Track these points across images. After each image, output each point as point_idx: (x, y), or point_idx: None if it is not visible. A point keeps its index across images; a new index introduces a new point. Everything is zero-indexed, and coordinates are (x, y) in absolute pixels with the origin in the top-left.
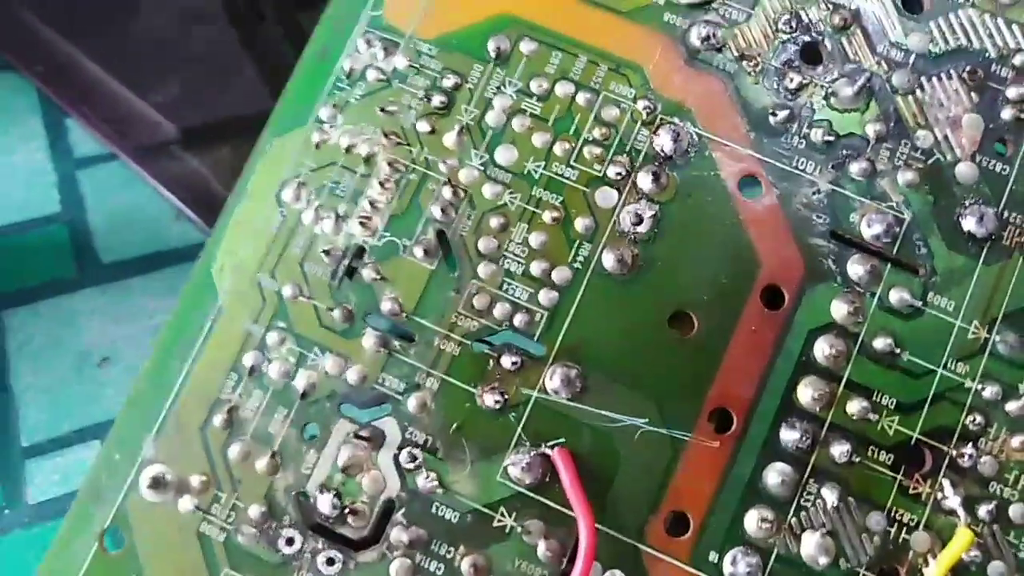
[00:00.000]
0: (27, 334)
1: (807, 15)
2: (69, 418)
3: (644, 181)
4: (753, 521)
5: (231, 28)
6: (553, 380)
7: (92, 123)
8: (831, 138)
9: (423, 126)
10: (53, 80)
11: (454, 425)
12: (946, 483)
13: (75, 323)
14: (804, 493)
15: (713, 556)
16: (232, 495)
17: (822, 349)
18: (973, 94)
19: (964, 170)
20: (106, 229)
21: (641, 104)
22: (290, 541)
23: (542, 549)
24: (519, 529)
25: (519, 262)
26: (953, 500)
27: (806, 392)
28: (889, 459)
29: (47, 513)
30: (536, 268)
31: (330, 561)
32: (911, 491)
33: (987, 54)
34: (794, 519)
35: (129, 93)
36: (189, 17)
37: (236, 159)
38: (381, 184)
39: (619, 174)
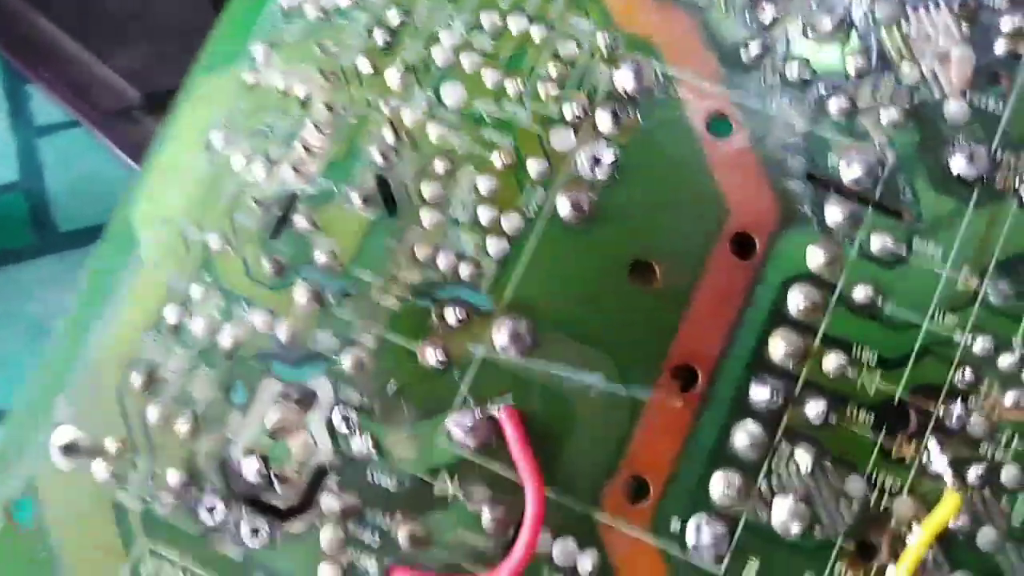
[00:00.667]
0: None
1: None
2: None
3: (603, 121)
4: (719, 486)
5: None
6: (501, 335)
7: (54, 89)
8: (808, 75)
9: (364, 65)
10: (14, 46)
11: (392, 385)
12: (932, 444)
13: (30, 292)
14: (775, 456)
15: (675, 524)
16: (150, 461)
17: (796, 300)
18: (964, 26)
19: (953, 108)
20: (65, 198)
21: (601, 39)
22: (212, 510)
23: (487, 518)
24: (462, 496)
25: (466, 209)
26: (940, 463)
27: (778, 346)
28: (870, 419)
29: None
30: (484, 216)
31: (255, 531)
32: (894, 454)
33: None
34: (764, 484)
35: (93, 58)
36: None
37: None
38: (317, 127)
39: (576, 115)
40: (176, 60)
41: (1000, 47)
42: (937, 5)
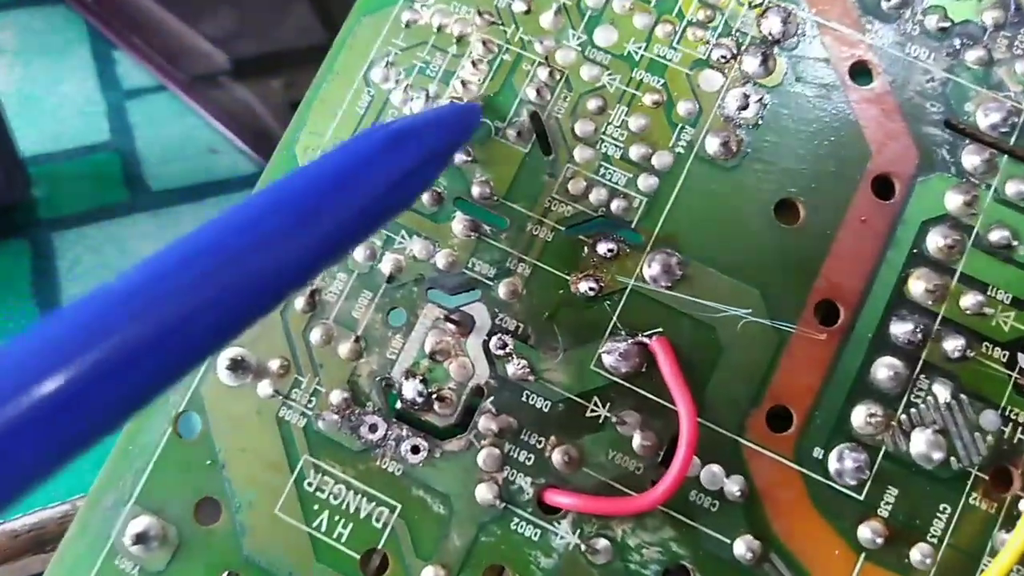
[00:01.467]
0: (76, 255)
1: None
2: None
3: (751, 64)
4: (861, 417)
5: None
6: (652, 268)
7: (142, 54)
8: (946, 25)
9: (519, 5)
10: (102, 11)
11: (546, 312)
12: None
13: (125, 247)
14: (915, 389)
15: (818, 452)
16: (313, 380)
17: (935, 241)
18: None
19: None
20: (155, 159)
21: None
22: (373, 428)
23: (637, 441)
24: (614, 419)
25: (617, 146)
26: None
27: (918, 285)
28: (1004, 356)
29: None
30: (635, 152)
31: (415, 449)
32: None
33: None
34: (904, 415)
35: (180, 24)
36: None
37: (286, 91)
38: (474, 64)
39: (724, 57)
40: (263, 26)
41: None
42: None
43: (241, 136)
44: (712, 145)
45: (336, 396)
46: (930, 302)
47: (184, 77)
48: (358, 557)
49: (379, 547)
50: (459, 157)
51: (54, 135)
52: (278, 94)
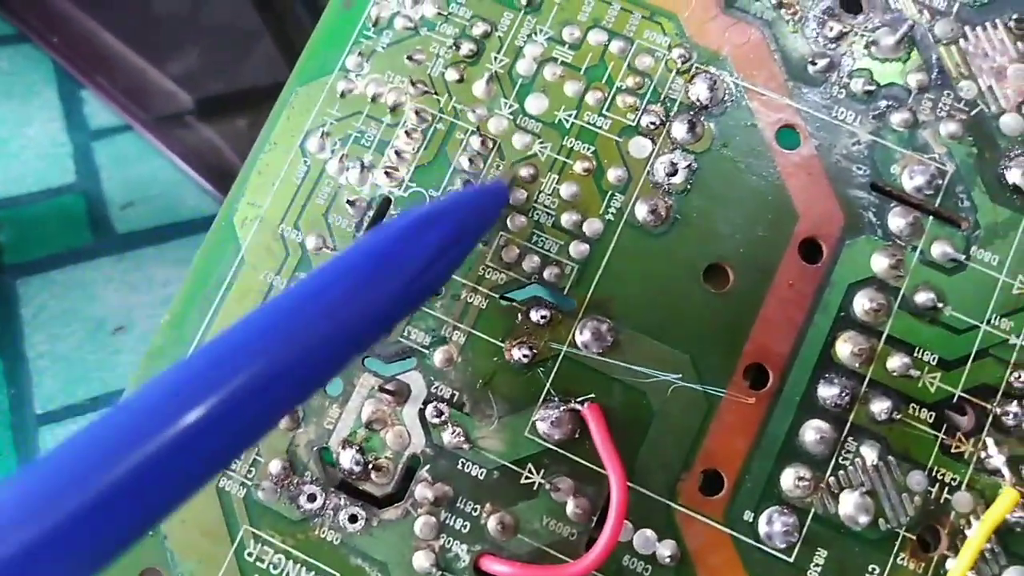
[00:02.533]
0: (42, 302)
1: None
2: (84, 386)
3: (679, 131)
4: (790, 480)
5: None
6: (583, 334)
7: (108, 94)
8: (872, 88)
9: (451, 75)
10: (69, 51)
11: (481, 380)
12: (990, 442)
13: (90, 292)
14: (843, 451)
15: (748, 515)
16: (252, 450)
17: (862, 303)
18: (1019, 44)
19: (1009, 122)
20: (121, 200)
21: (676, 53)
22: (312, 497)
23: (571, 507)
24: (547, 486)
25: (549, 214)
26: (997, 459)
27: (845, 347)
28: (931, 417)
29: None
30: (567, 220)
31: (353, 518)
32: (953, 450)
33: None
34: (832, 478)
35: (145, 63)
36: None
37: (252, 130)
38: (408, 134)
39: (653, 124)
40: (226, 66)
41: None
42: (994, 24)
43: (206, 176)
44: (641, 211)
45: (275, 466)
46: (857, 364)
47: (149, 117)
48: None
49: None
50: None
51: (18, 177)
52: (243, 133)
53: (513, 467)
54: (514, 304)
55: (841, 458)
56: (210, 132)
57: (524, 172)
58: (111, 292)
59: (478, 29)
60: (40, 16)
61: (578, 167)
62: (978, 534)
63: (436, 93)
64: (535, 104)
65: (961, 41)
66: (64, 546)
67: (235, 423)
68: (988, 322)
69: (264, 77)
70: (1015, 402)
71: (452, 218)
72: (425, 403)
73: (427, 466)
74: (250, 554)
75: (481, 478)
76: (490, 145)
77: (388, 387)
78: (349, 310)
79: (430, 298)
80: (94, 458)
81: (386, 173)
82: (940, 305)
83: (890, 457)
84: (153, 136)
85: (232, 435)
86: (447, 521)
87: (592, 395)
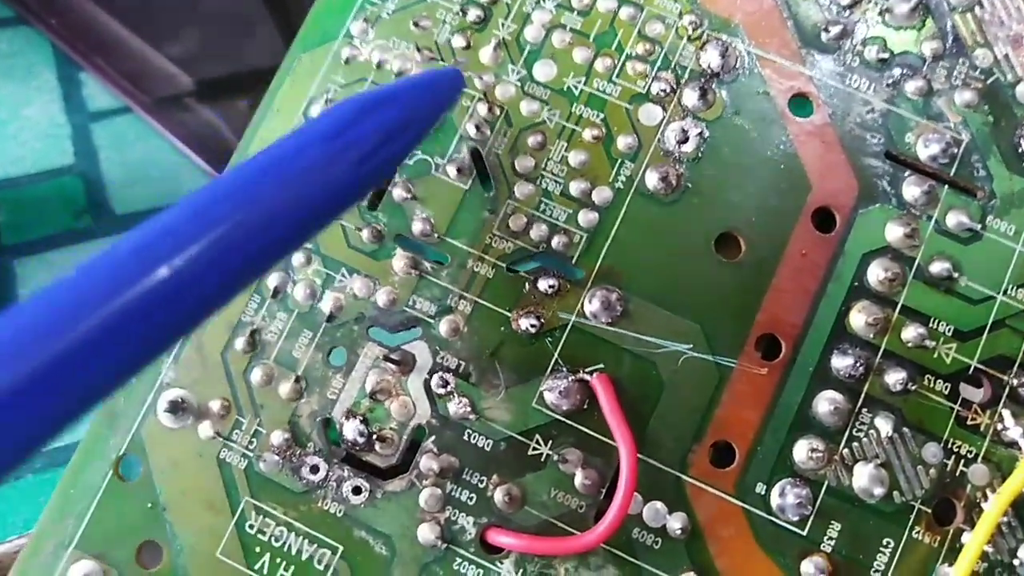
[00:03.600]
0: (40, 283)
1: None
2: None
3: (690, 98)
4: (803, 451)
5: None
6: (592, 304)
7: (107, 76)
8: (886, 56)
9: (458, 41)
10: (68, 32)
11: (488, 350)
12: (1006, 413)
13: None
14: (857, 423)
15: (760, 487)
16: (254, 421)
17: (876, 273)
18: None
19: None
20: (120, 181)
21: (687, 19)
22: (314, 469)
23: (579, 479)
24: (555, 457)
25: (557, 182)
26: (1014, 431)
27: (859, 318)
28: (946, 388)
29: (59, 459)
30: (575, 188)
31: (356, 490)
32: (969, 422)
33: None
34: (846, 449)
35: (145, 45)
36: None
37: (252, 111)
38: None
39: (664, 91)
40: (226, 47)
41: None
42: None
43: (206, 158)
44: (652, 180)
45: (277, 437)
46: (871, 335)
47: (149, 99)
48: None
49: None
50: (399, 193)
51: (17, 159)
52: (243, 115)
53: (520, 438)
54: (521, 273)
55: (855, 430)
56: (210, 114)
57: (532, 140)
58: None
59: None
60: None
61: (587, 134)
62: (995, 507)
63: (442, 60)
64: (543, 71)
65: (976, 8)
66: (52, 382)
67: (199, 285)
68: (1004, 292)
69: (265, 59)
70: None
71: (399, 103)
72: (431, 373)
73: (432, 437)
74: (251, 526)
75: (488, 449)
76: (497, 112)
77: (393, 357)
78: (289, 192)
79: (379, 184)
80: (72, 303)
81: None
82: (956, 275)
83: (905, 429)
84: (152, 118)
85: (198, 296)
86: (453, 493)
87: (601, 365)
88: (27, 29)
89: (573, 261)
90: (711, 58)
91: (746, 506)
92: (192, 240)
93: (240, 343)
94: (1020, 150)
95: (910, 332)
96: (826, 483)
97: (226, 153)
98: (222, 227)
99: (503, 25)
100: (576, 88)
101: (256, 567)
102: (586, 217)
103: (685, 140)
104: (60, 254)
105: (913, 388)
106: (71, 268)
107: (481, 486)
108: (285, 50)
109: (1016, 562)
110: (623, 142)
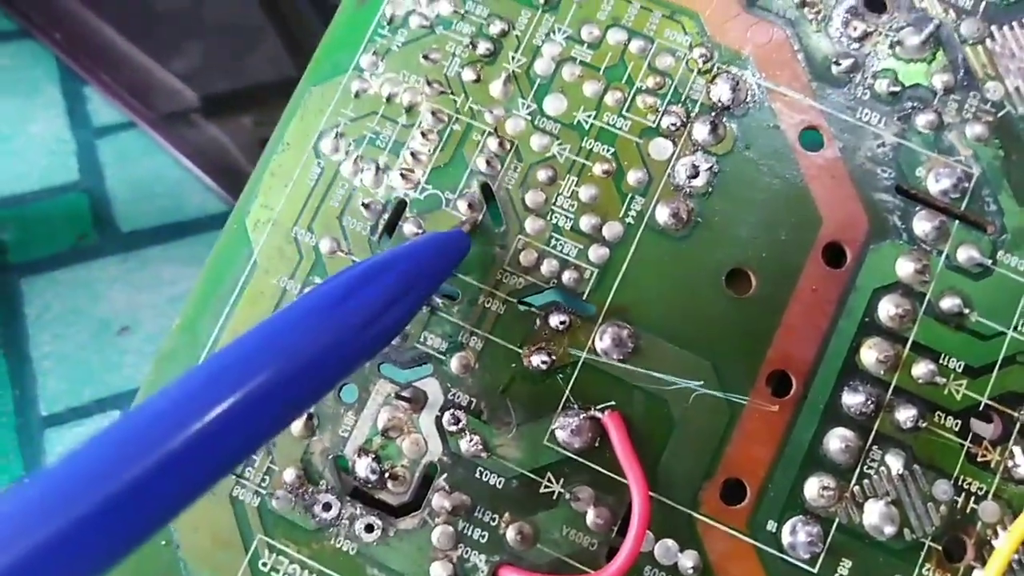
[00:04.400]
0: (45, 302)
1: None
2: (89, 387)
3: (700, 132)
4: (814, 489)
5: None
6: (603, 340)
7: (112, 91)
8: (896, 89)
9: (468, 74)
10: (72, 48)
11: (499, 387)
12: (1017, 450)
13: (94, 291)
14: (867, 460)
15: (771, 525)
16: (266, 458)
17: (887, 309)
18: None
19: None
20: (125, 198)
21: (697, 52)
22: (327, 506)
23: (591, 516)
24: (567, 495)
25: (568, 217)
26: None
27: (870, 354)
28: (956, 425)
29: None
30: (586, 223)
31: (369, 528)
32: (980, 459)
33: None
34: (857, 487)
35: (150, 61)
36: None
37: (257, 127)
38: (423, 135)
39: (674, 125)
40: (231, 63)
41: None
42: (1022, 24)
43: (211, 174)
44: (662, 215)
45: (289, 474)
46: (882, 372)
47: (154, 114)
48: None
49: None
50: (410, 228)
51: (22, 175)
52: (248, 131)
53: (532, 476)
54: (532, 309)
55: (866, 467)
56: (215, 130)
57: (542, 174)
58: (116, 291)
59: (495, 28)
60: (43, 12)
61: (597, 169)
62: (1007, 544)
63: (452, 93)
64: (553, 105)
65: (988, 41)
66: (70, 550)
67: (200, 460)
68: (1015, 328)
69: (269, 74)
70: None
71: (399, 269)
72: (442, 410)
73: (444, 474)
74: (264, 564)
75: (499, 487)
76: (507, 146)
77: (404, 394)
78: (292, 363)
79: (384, 347)
80: (98, 465)
81: (401, 175)
82: (966, 311)
83: (915, 466)
84: (158, 134)
85: (192, 477)
86: (465, 531)
87: (612, 403)
88: (31, 43)
89: (584, 297)
90: (722, 91)
91: (757, 544)
92: (192, 419)
93: None
94: None
95: (920, 368)
96: (837, 520)
97: (231, 169)
98: (221, 405)
99: (513, 58)
100: (586, 122)
101: None
102: (597, 252)
103: (696, 175)
104: (66, 272)
105: (924, 425)
106: (76, 287)
107: (493, 524)
108: (289, 64)
109: None
110: (633, 177)
